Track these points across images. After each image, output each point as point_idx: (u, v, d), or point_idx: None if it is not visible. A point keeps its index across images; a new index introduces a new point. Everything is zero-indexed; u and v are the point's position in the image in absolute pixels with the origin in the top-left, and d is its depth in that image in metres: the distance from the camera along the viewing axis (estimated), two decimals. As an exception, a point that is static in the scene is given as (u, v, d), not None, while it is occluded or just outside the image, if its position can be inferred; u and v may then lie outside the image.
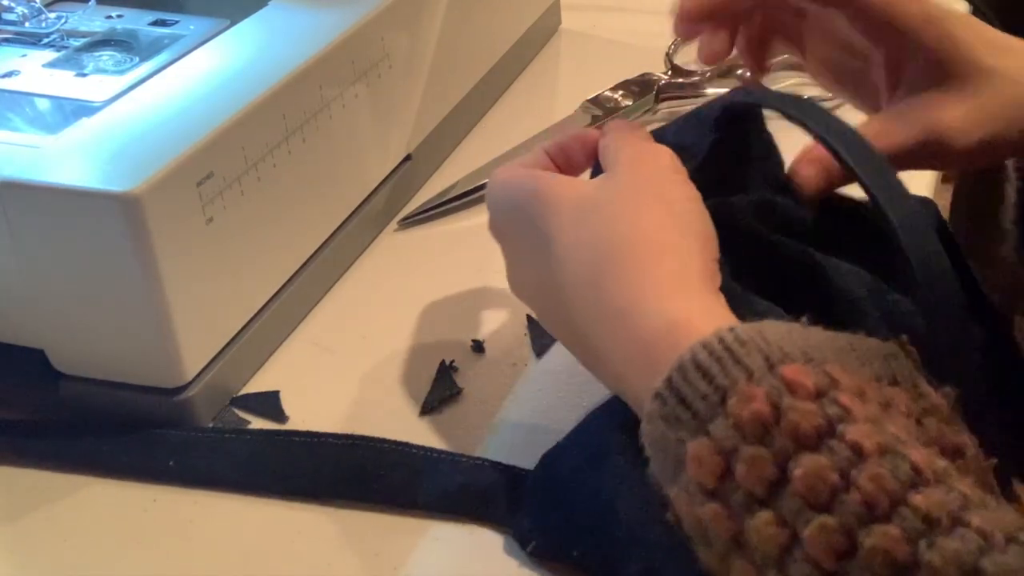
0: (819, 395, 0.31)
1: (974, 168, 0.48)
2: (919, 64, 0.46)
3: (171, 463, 0.48)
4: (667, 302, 0.36)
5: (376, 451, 0.48)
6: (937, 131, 0.46)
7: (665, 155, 0.43)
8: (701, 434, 0.31)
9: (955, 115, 0.45)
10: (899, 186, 0.39)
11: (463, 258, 0.63)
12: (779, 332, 0.33)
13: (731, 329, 0.33)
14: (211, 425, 0.51)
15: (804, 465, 0.30)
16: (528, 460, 0.48)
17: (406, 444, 0.48)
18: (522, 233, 0.44)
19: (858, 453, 0.29)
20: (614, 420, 0.44)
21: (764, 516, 0.30)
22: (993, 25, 0.50)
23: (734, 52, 0.51)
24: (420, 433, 0.50)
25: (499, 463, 0.48)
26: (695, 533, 0.32)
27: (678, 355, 0.33)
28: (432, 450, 0.48)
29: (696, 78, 0.77)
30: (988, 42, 0.46)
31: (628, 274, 0.38)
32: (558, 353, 0.55)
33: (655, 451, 0.34)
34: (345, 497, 0.47)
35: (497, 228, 0.47)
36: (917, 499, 0.28)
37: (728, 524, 0.31)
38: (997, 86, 0.45)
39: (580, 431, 0.47)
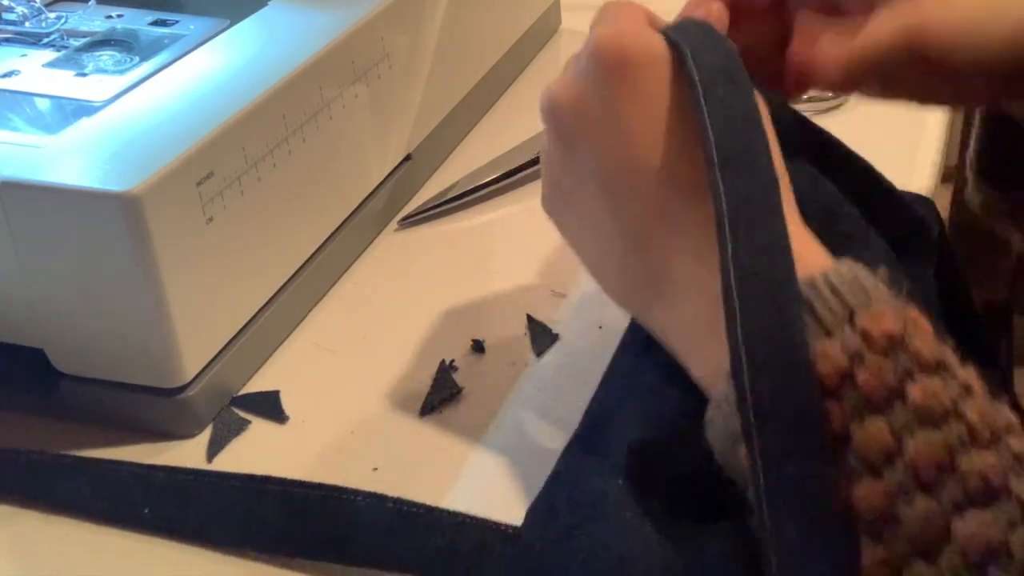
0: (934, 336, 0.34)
1: (969, 84, 0.46)
2: None
3: (146, 511, 0.46)
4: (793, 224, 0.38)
5: (349, 506, 0.44)
6: (915, 21, 0.44)
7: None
8: (828, 339, 0.34)
9: (931, 3, 0.44)
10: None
11: (463, 258, 0.63)
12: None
13: (856, 262, 0.36)
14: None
15: (923, 384, 0.33)
16: (528, 462, 0.48)
17: (382, 497, 0.44)
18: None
19: (967, 390, 0.33)
20: (605, 465, 0.42)
21: (875, 421, 0.33)
22: None
23: None
24: (420, 433, 0.50)
25: (484, 520, 0.43)
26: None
27: (807, 273, 0.35)
28: (411, 504, 0.44)
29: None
30: None
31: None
32: (558, 353, 0.55)
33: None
34: (318, 558, 0.44)
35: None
36: (1013, 440, 0.32)
37: (837, 423, 0.33)
38: None
39: (565, 480, 0.44)
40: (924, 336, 0.34)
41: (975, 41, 0.44)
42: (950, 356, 0.34)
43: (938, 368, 0.33)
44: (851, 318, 0.34)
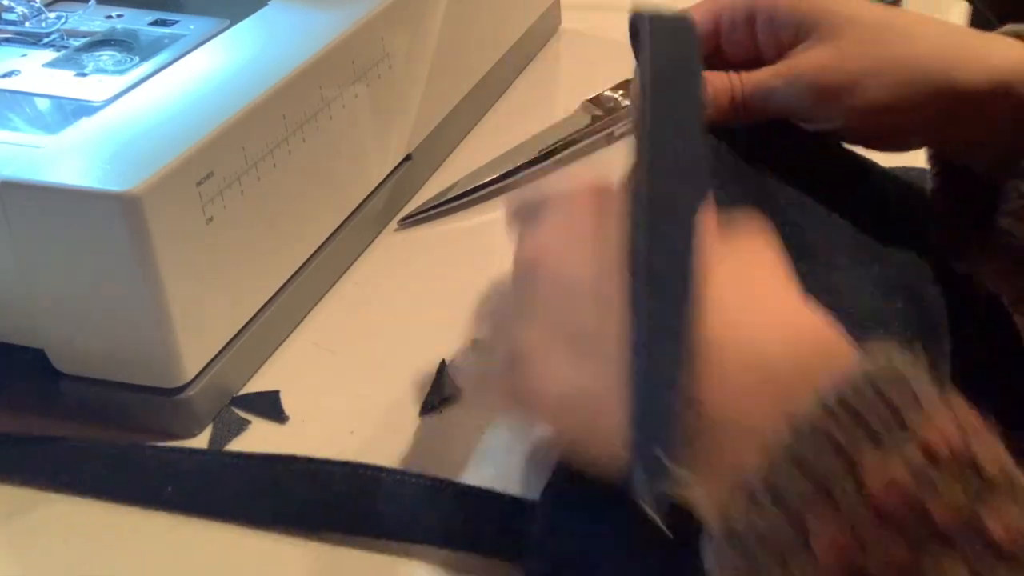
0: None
1: (849, 124, 0.49)
2: (788, 29, 0.48)
3: (169, 489, 0.47)
4: (797, 315, 0.35)
5: (375, 481, 0.45)
6: (798, 70, 0.47)
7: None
8: (880, 451, 0.29)
9: (814, 55, 0.47)
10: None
11: (463, 258, 0.63)
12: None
13: (891, 350, 0.31)
14: (208, 446, 0.50)
15: (999, 512, 0.28)
16: (528, 461, 0.48)
17: (404, 473, 0.46)
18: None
19: None
20: None
21: (951, 557, 0.28)
22: (993, 25, 0.51)
23: None
24: (420, 433, 0.50)
25: (505, 495, 0.45)
26: (841, 561, 0.29)
27: (839, 371, 0.31)
28: (434, 480, 0.46)
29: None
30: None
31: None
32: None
33: (791, 471, 0.30)
34: (343, 531, 0.45)
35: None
36: None
37: (903, 553, 0.28)
38: (857, 31, 0.46)
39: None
40: (983, 441, 0.29)
41: (861, 98, 0.46)
42: (1009, 462, 0.29)
43: (1007, 485, 0.29)
44: (901, 424, 0.29)
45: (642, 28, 0.44)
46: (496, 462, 0.49)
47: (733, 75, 0.50)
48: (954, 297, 0.48)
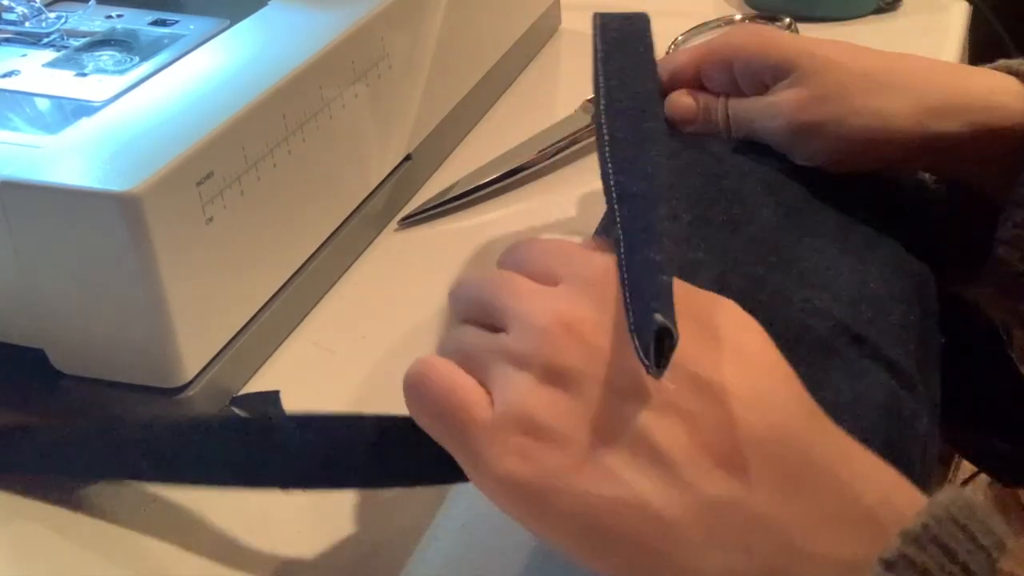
0: None
1: (836, 156, 0.50)
2: (765, 72, 0.50)
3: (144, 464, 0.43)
4: (860, 463, 0.34)
5: (383, 427, 0.42)
6: (777, 107, 0.49)
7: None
8: None
9: (794, 95, 0.49)
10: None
11: (463, 258, 0.63)
12: None
13: (960, 490, 0.32)
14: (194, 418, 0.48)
15: None
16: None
17: (395, 416, 0.41)
18: None
19: None
20: None
21: None
22: (993, 25, 0.51)
23: None
24: (420, 433, 0.50)
25: None
26: None
27: (923, 508, 0.31)
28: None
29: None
30: (818, 41, 0.51)
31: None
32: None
33: None
34: (356, 485, 0.43)
35: None
36: None
37: None
38: (834, 75, 0.48)
39: None
40: None
41: (841, 136, 0.48)
42: None
43: None
44: (986, 555, 0.30)
45: (594, 21, 0.50)
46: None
47: (722, 97, 0.52)
48: (953, 314, 0.49)
